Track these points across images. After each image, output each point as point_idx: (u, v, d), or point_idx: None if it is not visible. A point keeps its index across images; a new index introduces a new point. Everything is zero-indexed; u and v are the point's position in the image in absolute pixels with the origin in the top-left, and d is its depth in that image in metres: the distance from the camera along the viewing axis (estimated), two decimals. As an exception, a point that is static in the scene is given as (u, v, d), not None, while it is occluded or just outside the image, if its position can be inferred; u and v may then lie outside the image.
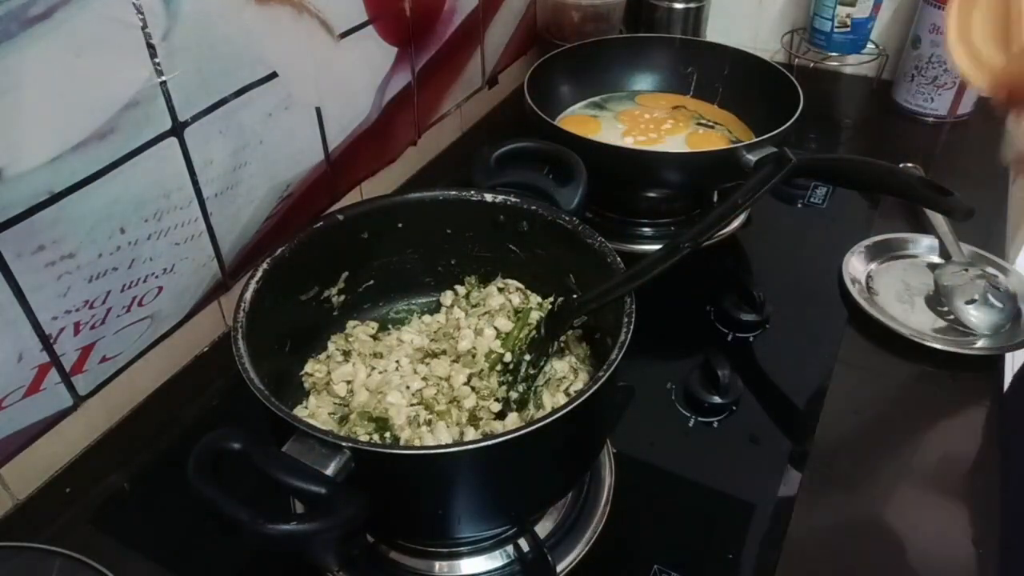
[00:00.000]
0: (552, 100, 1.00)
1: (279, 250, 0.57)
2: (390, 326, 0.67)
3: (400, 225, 0.65)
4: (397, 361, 0.62)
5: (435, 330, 0.66)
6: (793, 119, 0.83)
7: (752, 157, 0.77)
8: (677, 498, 0.63)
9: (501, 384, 0.60)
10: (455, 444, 0.53)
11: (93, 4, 0.54)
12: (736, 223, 0.92)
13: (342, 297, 0.65)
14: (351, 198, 0.91)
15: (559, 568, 0.56)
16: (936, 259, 0.84)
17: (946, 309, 0.78)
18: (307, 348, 0.64)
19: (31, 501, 0.63)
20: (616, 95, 1.05)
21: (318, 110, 0.80)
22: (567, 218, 0.61)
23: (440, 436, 0.56)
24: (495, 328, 0.63)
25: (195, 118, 0.65)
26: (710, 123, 0.98)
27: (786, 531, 0.59)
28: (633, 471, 0.64)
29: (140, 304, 0.67)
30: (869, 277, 0.84)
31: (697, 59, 1.03)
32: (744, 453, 0.67)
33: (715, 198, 0.92)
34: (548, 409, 0.58)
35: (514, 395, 0.60)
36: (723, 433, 0.68)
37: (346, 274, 0.65)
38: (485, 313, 0.65)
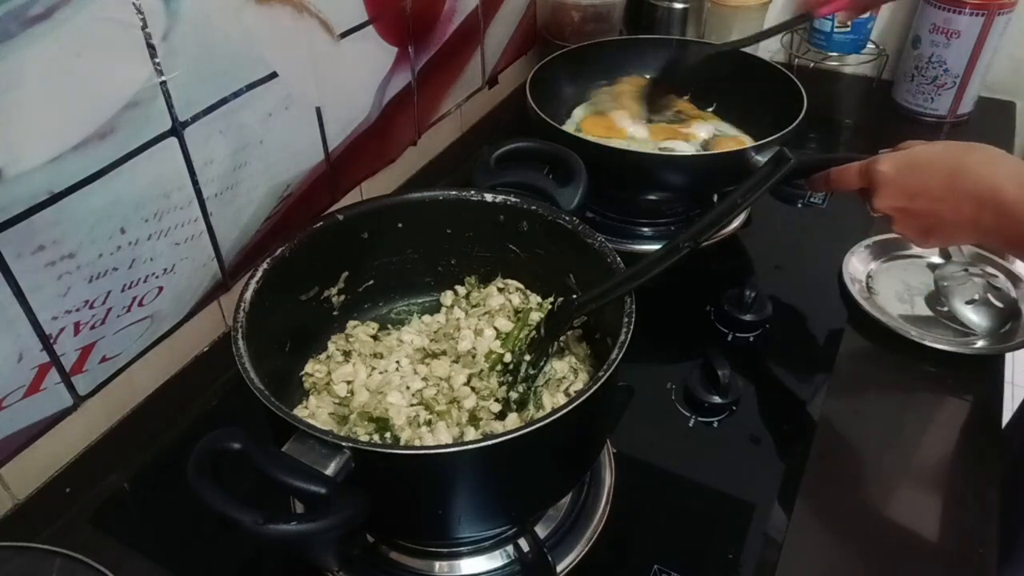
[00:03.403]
0: (554, 102, 1.00)
1: (279, 250, 0.57)
2: (390, 326, 0.67)
3: (400, 225, 0.65)
4: (397, 361, 0.62)
5: (435, 330, 0.66)
6: (799, 118, 0.83)
7: (762, 158, 0.77)
8: (677, 498, 0.63)
9: (501, 384, 0.60)
10: (455, 444, 0.53)
11: (93, 4, 0.54)
12: (736, 223, 0.92)
13: (342, 297, 0.65)
14: (351, 198, 0.91)
15: (559, 568, 0.56)
16: (936, 259, 0.84)
17: (946, 309, 0.78)
18: (307, 348, 0.64)
19: (31, 501, 0.63)
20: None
21: (318, 110, 0.80)
22: (567, 218, 0.61)
23: (440, 436, 0.56)
24: (495, 328, 0.63)
25: (195, 118, 0.65)
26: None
27: (786, 531, 0.59)
28: (633, 471, 0.64)
29: (140, 304, 0.67)
30: (869, 277, 0.84)
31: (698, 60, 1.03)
32: (744, 453, 0.67)
33: (715, 198, 0.92)
34: (548, 409, 0.58)
35: (514, 395, 0.60)
36: (723, 433, 0.68)
37: (346, 274, 0.65)
38: (485, 313, 0.65)
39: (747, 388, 0.71)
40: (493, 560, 0.58)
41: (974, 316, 0.76)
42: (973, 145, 0.58)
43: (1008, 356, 0.74)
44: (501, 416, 0.58)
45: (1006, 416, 0.80)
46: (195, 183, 0.68)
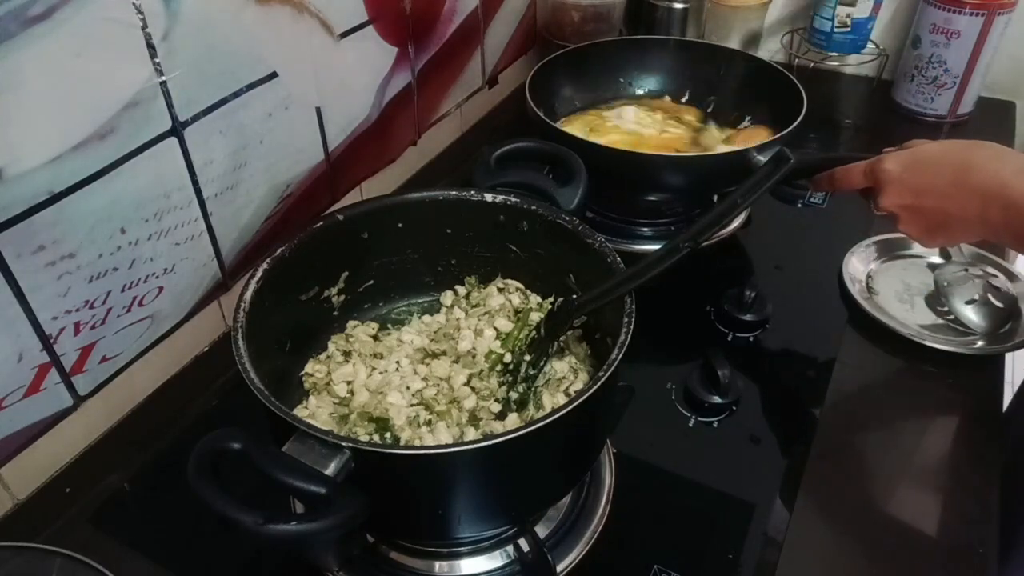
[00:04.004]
0: (554, 103, 1.00)
1: (279, 250, 0.57)
2: (390, 326, 0.67)
3: (400, 225, 0.65)
4: (397, 361, 0.62)
5: (435, 330, 0.66)
6: (799, 119, 0.82)
7: (763, 158, 0.77)
8: (677, 498, 0.63)
9: (501, 384, 0.60)
10: (455, 444, 0.53)
11: (93, 4, 0.54)
12: (736, 223, 0.92)
13: (342, 297, 0.65)
14: (351, 198, 0.91)
15: (559, 568, 0.56)
16: (936, 259, 0.84)
17: (946, 309, 0.78)
18: (307, 348, 0.64)
19: (31, 501, 0.63)
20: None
21: (318, 110, 0.80)
22: (567, 218, 0.61)
23: (440, 436, 0.56)
24: (495, 328, 0.63)
25: (195, 118, 0.65)
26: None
27: (786, 531, 0.59)
28: (633, 471, 0.64)
29: (140, 304, 0.67)
30: (869, 277, 0.84)
31: (698, 61, 1.03)
32: (744, 453, 0.67)
33: (715, 198, 0.92)
34: (548, 409, 0.58)
35: (514, 395, 0.60)
36: (723, 433, 0.68)
37: (346, 274, 0.65)
38: (485, 313, 0.65)
39: (747, 388, 0.71)
40: (493, 560, 0.58)
41: (974, 316, 0.76)
42: (978, 142, 0.58)
43: (1008, 356, 0.74)
44: (501, 416, 0.58)
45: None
46: (195, 183, 0.68)
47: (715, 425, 0.69)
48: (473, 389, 0.60)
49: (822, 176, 0.66)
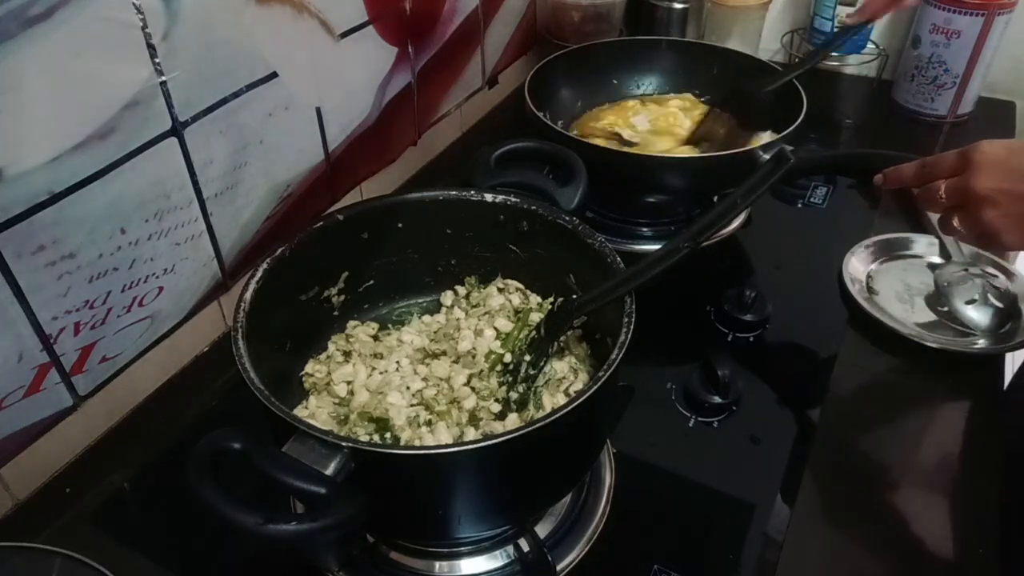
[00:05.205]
0: (553, 103, 1.00)
1: (279, 250, 0.57)
2: (390, 326, 0.68)
3: (400, 225, 0.65)
4: (397, 362, 0.62)
5: (435, 330, 0.66)
6: (800, 119, 0.82)
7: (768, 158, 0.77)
8: (677, 498, 0.63)
9: (501, 385, 0.60)
10: (455, 444, 0.53)
11: (93, 4, 0.54)
12: (736, 223, 0.91)
13: (342, 297, 0.65)
14: (351, 198, 0.91)
15: (559, 568, 0.56)
16: (936, 259, 0.84)
17: (946, 309, 0.78)
18: (307, 348, 0.64)
19: (31, 501, 0.63)
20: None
21: (318, 110, 0.80)
22: (567, 218, 0.61)
23: (440, 436, 0.56)
24: (495, 328, 0.63)
25: (195, 118, 0.65)
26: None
27: (786, 531, 0.59)
28: (633, 471, 0.64)
29: (140, 304, 0.67)
30: (869, 277, 0.84)
31: (698, 61, 1.03)
32: (744, 453, 0.67)
33: (715, 198, 0.92)
34: (548, 409, 0.58)
35: (514, 395, 0.60)
36: (723, 433, 0.68)
37: (346, 274, 0.65)
38: (485, 313, 0.65)
39: (747, 388, 0.71)
40: (493, 560, 0.58)
41: (974, 316, 0.76)
42: None
43: (1008, 356, 0.74)
44: (501, 416, 0.58)
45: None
46: (195, 183, 0.68)
47: (715, 425, 0.69)
48: (473, 389, 0.60)
49: (900, 169, 0.61)
